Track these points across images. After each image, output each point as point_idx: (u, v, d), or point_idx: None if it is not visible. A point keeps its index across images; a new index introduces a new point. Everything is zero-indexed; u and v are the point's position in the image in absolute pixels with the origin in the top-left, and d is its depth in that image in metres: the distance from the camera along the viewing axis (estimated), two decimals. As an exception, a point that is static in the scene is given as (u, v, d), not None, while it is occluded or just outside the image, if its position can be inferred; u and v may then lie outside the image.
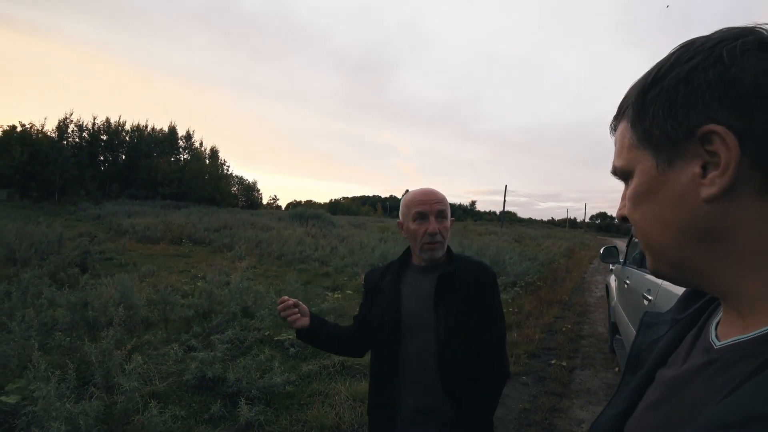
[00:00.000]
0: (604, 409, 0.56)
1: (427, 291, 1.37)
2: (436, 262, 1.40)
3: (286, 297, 1.36)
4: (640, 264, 3.64)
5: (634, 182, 0.46)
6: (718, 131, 0.38)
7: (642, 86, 0.44)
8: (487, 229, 34.52)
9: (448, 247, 1.43)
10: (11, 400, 2.58)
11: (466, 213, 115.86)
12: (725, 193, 0.38)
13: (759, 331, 0.38)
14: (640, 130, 0.44)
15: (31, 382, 2.58)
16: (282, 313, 1.36)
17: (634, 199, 0.46)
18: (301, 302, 1.40)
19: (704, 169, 0.39)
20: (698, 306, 0.53)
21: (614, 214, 0.53)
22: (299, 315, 1.38)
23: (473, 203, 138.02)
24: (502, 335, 1.40)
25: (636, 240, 0.50)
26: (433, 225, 1.34)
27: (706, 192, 0.39)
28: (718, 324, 0.46)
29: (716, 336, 0.44)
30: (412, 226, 1.37)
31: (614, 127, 0.50)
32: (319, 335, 1.43)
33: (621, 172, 0.48)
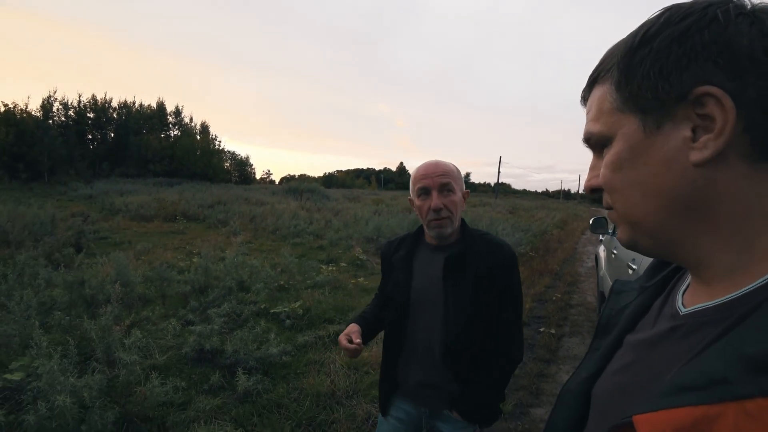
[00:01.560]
0: (574, 373, 0.58)
1: (437, 271, 1.32)
2: (447, 239, 1.34)
3: (344, 342, 1.30)
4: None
5: (615, 148, 0.44)
6: (714, 93, 0.37)
7: (629, 47, 0.42)
8: (482, 200, 34.62)
9: (464, 222, 1.38)
10: (16, 377, 2.66)
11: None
12: (715, 158, 0.37)
13: (723, 298, 0.40)
14: (627, 92, 0.42)
15: (34, 359, 2.66)
16: (351, 355, 1.31)
17: (615, 165, 0.44)
18: (355, 332, 1.34)
19: (693, 132, 0.39)
20: (665, 274, 0.55)
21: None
22: (357, 345, 1.31)
23: (468, 175, 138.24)
24: (515, 319, 1.33)
25: (607, 211, 0.49)
26: (435, 200, 1.27)
27: (698, 156, 0.38)
28: (684, 291, 0.47)
29: (682, 303, 0.46)
30: (417, 202, 1.32)
31: (585, 95, 0.49)
32: (367, 336, 1.44)
33: (598, 139, 0.46)
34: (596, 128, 0.46)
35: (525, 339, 4.37)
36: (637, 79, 0.41)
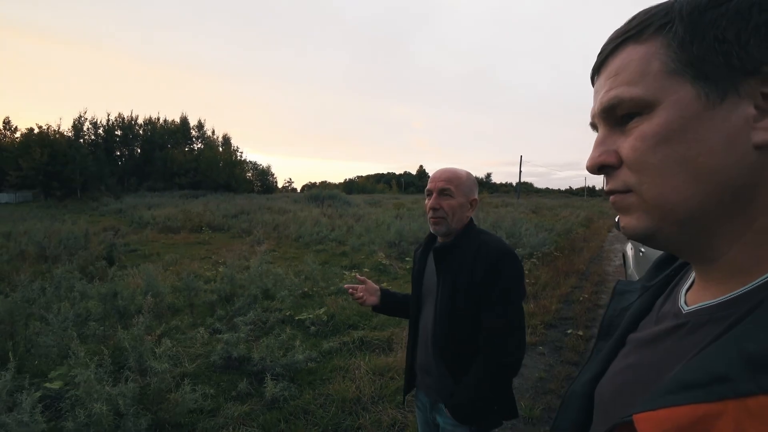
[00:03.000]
0: (578, 375, 0.57)
1: (434, 265, 1.48)
2: (448, 237, 1.45)
3: (347, 286, 1.62)
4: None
5: (661, 117, 0.38)
6: None
7: (697, 3, 0.37)
8: (504, 201, 34.20)
9: (471, 223, 1.47)
10: (55, 385, 2.79)
11: (481, 186, 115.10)
12: None
13: (726, 296, 0.39)
14: (692, 53, 0.37)
15: (72, 369, 2.78)
16: (353, 298, 1.59)
17: (658, 137, 0.38)
18: (368, 281, 1.64)
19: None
20: (667, 273, 0.54)
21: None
22: (365, 296, 1.61)
23: (489, 175, 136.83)
24: (507, 322, 1.31)
25: (613, 195, 0.43)
26: (433, 201, 1.42)
27: (763, 136, 0.35)
28: (688, 290, 0.46)
29: (685, 301, 0.45)
30: (426, 201, 1.48)
31: (605, 57, 0.43)
32: (390, 307, 1.66)
33: (634, 105, 0.39)
34: (635, 93, 0.39)
35: (552, 341, 4.34)
36: (707, 40, 0.36)
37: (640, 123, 0.39)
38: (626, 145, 0.40)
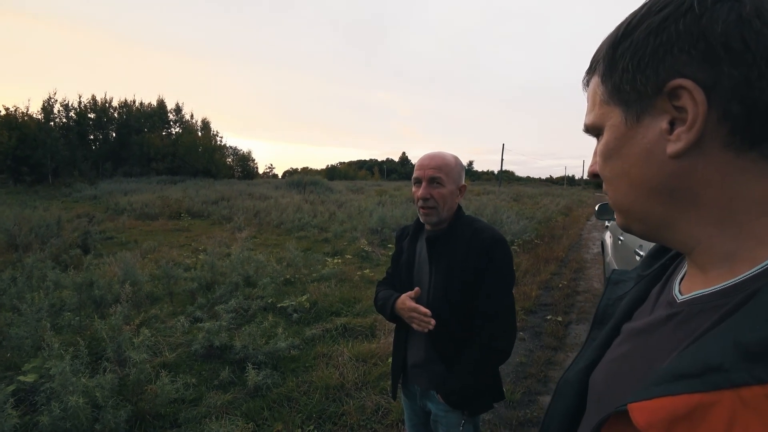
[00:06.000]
0: (572, 364, 0.57)
1: (426, 253, 1.44)
2: (438, 225, 1.41)
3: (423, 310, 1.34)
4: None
5: (604, 138, 0.45)
6: (686, 86, 0.36)
7: (613, 40, 0.42)
8: (485, 188, 34.53)
9: (459, 210, 1.44)
10: (29, 378, 2.70)
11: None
12: (692, 149, 0.37)
13: (719, 285, 0.39)
14: (610, 85, 0.43)
15: (46, 361, 2.70)
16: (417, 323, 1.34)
17: (604, 155, 0.45)
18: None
19: (671, 124, 0.39)
20: (663, 262, 0.55)
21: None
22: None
23: (471, 163, 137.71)
24: (501, 309, 1.32)
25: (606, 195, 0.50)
26: (423, 190, 1.37)
27: (673, 148, 0.38)
28: (682, 279, 0.47)
29: (679, 290, 0.45)
30: (413, 189, 1.43)
31: (587, 83, 0.49)
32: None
33: (592, 129, 0.47)
34: (590, 119, 0.47)
35: (532, 327, 4.42)
36: (618, 72, 0.41)
37: (598, 143, 0.47)
38: (594, 159, 0.49)
